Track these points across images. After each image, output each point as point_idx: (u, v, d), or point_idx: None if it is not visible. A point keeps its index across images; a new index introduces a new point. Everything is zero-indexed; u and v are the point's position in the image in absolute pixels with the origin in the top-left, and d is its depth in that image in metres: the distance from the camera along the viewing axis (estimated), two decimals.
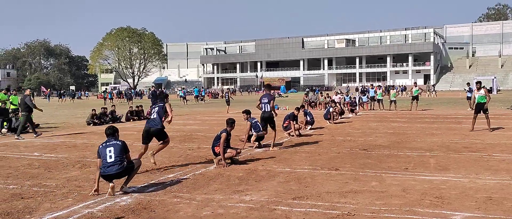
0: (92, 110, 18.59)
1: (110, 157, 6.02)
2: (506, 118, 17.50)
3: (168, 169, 7.80)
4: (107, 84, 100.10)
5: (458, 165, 7.66)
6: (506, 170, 7.15)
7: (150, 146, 7.86)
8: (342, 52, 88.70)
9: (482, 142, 10.47)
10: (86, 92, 77.99)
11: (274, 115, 10.17)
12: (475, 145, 10.00)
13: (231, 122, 8.32)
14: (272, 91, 11.53)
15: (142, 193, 6.09)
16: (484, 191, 5.83)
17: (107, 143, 6.20)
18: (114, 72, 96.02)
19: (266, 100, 10.10)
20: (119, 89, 70.35)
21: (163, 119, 7.72)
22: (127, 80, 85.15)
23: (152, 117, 7.74)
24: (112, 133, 6.40)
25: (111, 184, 5.97)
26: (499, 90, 58.62)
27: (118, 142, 6.21)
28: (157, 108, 7.80)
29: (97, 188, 6.03)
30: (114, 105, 20.41)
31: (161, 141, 7.77)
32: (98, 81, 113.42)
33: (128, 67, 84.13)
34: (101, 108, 19.31)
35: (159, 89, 12.95)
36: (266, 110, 10.12)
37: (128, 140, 11.33)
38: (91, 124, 17.29)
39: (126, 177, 6.18)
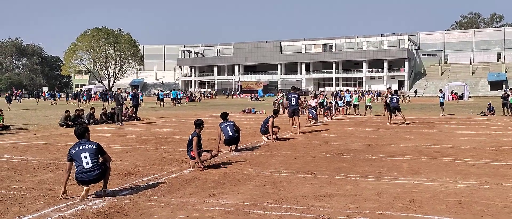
0: (66, 111, 18.18)
1: (87, 163, 5.85)
2: (476, 124, 18.05)
3: (143, 172, 7.69)
4: (81, 85, 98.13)
5: (429, 169, 7.85)
6: (476, 175, 7.36)
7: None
8: (319, 57, 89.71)
9: (453, 147, 10.76)
10: (59, 93, 75.92)
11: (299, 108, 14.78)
12: (446, 150, 10.26)
13: (199, 124, 8.27)
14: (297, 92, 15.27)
15: (116, 196, 5.99)
16: (454, 195, 5.99)
17: (81, 148, 5.96)
18: (89, 73, 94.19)
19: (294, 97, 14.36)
20: (92, 90, 68.89)
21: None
22: (102, 81, 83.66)
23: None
24: (82, 133, 6.13)
25: (85, 187, 5.85)
26: (470, 97, 60.39)
27: (92, 146, 6.02)
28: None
29: (65, 190, 5.88)
30: (93, 108, 19.96)
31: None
32: (72, 82, 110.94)
33: (104, 68, 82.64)
34: (76, 110, 18.90)
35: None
36: (293, 104, 14.43)
37: (102, 142, 11.14)
38: (64, 126, 16.90)
39: (103, 180, 6.07)
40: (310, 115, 18.41)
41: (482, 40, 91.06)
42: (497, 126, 16.94)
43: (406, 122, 17.51)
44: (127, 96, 51.78)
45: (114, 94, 19.86)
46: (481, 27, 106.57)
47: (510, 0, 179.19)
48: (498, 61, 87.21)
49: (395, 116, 18.01)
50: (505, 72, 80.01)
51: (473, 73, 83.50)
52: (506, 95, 23.90)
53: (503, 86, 70.93)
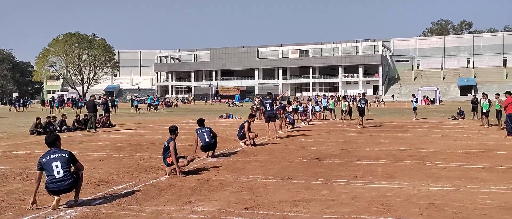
0: (37, 118, 17.70)
1: (58, 172, 5.69)
2: (447, 128, 18.53)
3: (117, 180, 7.55)
4: (53, 91, 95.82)
5: (403, 173, 8.00)
6: (447, 178, 7.55)
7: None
8: (296, 62, 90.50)
9: (425, 151, 11.01)
10: (29, 99, 73.54)
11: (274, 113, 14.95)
12: (419, 154, 10.49)
13: (173, 130, 8.23)
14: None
15: (88, 206, 5.84)
16: (426, 198, 6.12)
17: (52, 156, 5.79)
18: (62, 79, 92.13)
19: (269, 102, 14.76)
20: (65, 96, 67.33)
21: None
22: (76, 87, 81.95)
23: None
24: (53, 142, 5.96)
25: (56, 197, 5.68)
26: (442, 101, 62.02)
27: (64, 154, 5.86)
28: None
29: (35, 200, 5.72)
30: (65, 115, 19.48)
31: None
32: (43, 88, 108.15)
33: (77, 74, 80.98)
34: (47, 117, 18.41)
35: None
36: (268, 109, 14.70)
37: (75, 150, 10.89)
38: (35, 134, 16.44)
39: (75, 189, 5.91)
40: (287, 120, 18.52)
41: (452, 46, 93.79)
42: (467, 130, 17.44)
43: (361, 126, 18.46)
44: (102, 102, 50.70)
45: (88, 100, 19.09)
46: (451, 33, 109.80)
47: (478, 8, 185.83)
48: (467, 67, 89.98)
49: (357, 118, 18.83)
50: (474, 77, 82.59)
51: (444, 78, 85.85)
52: (475, 99, 24.65)
53: (473, 90, 73.16)
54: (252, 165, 9.02)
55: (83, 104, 45.90)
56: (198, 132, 10.02)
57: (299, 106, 24.39)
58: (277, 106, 17.45)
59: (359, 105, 18.93)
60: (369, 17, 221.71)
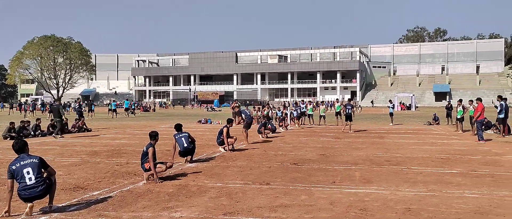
0: (10, 123, 17.19)
1: (30, 179, 5.52)
2: (423, 133, 18.91)
3: (93, 186, 7.39)
4: (28, 95, 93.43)
5: (380, 178, 8.10)
6: (423, 182, 7.68)
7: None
8: (274, 68, 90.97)
9: (402, 156, 11.19)
10: (2, 103, 71.27)
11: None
12: (396, 159, 10.65)
13: (154, 135, 8.12)
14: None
15: (63, 212, 5.69)
16: (403, 203, 6.21)
17: (22, 163, 5.61)
18: (36, 82, 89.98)
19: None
20: (39, 100, 65.73)
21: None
22: (51, 91, 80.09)
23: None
24: (22, 148, 5.79)
25: (29, 204, 5.52)
26: (417, 107, 63.31)
27: (34, 160, 5.69)
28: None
29: (8, 210, 5.53)
30: (39, 119, 18.98)
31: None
32: (17, 92, 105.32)
33: (52, 77, 79.17)
34: (21, 122, 17.92)
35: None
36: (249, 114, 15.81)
37: (49, 155, 10.62)
38: (8, 138, 15.96)
39: (49, 196, 5.75)
40: (269, 126, 18.49)
41: (427, 53, 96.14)
42: (442, 135, 17.83)
43: (350, 131, 18.96)
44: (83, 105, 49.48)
45: (53, 105, 18.51)
46: (427, 41, 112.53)
47: (452, 15, 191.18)
48: (442, 73, 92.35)
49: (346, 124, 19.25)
50: (449, 83, 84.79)
51: (419, 84, 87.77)
52: (449, 105, 25.24)
53: (447, 97, 75.02)
54: (230, 171, 8.98)
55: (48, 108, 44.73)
56: (176, 137, 9.92)
57: (277, 112, 24.51)
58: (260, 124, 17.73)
59: (344, 112, 19.40)
60: (347, 24, 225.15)
